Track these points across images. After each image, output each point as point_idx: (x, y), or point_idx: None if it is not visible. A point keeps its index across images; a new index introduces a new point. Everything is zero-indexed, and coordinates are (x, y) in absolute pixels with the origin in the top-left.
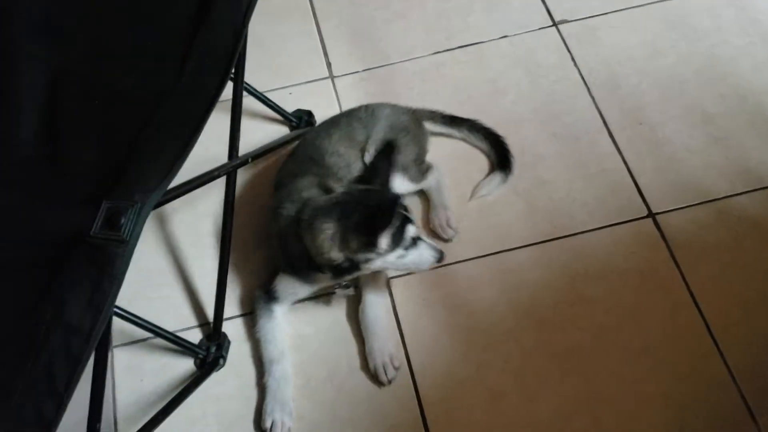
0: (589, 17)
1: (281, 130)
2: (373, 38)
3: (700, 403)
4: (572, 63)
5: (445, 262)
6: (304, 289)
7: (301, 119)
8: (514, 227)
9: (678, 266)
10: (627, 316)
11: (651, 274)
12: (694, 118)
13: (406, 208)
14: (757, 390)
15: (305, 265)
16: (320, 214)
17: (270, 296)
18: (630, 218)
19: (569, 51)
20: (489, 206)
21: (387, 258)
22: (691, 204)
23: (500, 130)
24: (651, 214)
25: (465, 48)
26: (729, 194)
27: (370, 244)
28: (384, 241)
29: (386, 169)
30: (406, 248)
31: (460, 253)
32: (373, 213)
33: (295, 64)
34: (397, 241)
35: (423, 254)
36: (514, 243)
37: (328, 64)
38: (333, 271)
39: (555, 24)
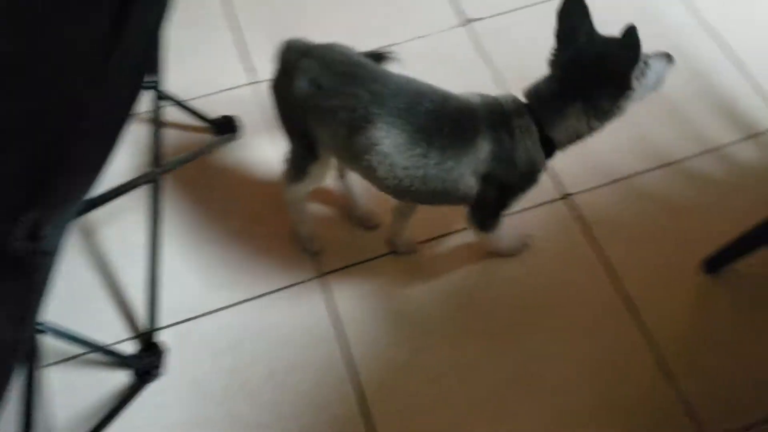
0: (501, 14)
1: (206, 137)
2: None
3: (621, 373)
4: (482, 61)
5: (378, 253)
6: None
7: (225, 125)
8: (449, 214)
9: (593, 244)
10: (550, 294)
11: (568, 252)
12: None
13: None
14: (675, 358)
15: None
16: (556, 100)
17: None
18: (545, 200)
19: (481, 50)
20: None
21: (637, 93)
22: (602, 184)
23: None
24: (565, 195)
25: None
26: (635, 173)
27: (623, 93)
28: (635, 81)
29: (583, 12)
30: (645, 74)
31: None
32: (612, 59)
33: (219, 70)
34: (640, 72)
35: (657, 68)
36: (440, 231)
37: (251, 69)
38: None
39: (467, 23)
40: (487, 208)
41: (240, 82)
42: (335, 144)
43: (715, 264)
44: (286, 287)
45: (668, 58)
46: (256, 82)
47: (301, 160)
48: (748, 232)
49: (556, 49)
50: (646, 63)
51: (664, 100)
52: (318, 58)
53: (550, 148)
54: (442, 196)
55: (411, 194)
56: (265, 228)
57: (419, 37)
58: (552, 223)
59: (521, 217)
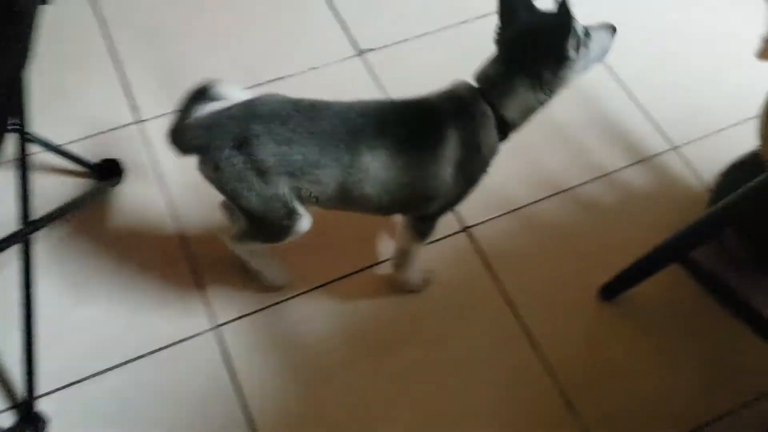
0: (396, 43)
1: (88, 184)
2: (180, 77)
3: (524, 403)
4: (379, 92)
5: (275, 300)
6: None
7: (108, 169)
8: (342, 255)
9: (493, 274)
10: (454, 330)
11: (470, 284)
12: None
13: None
14: (575, 385)
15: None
16: (504, 80)
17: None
18: (447, 234)
19: (376, 79)
20: (318, 236)
21: (578, 64)
22: (499, 214)
23: None
24: (465, 228)
25: (273, 82)
26: (531, 201)
27: (562, 64)
28: (572, 51)
29: None
30: (586, 44)
31: (291, 288)
32: (547, 32)
33: (99, 111)
34: (579, 42)
35: (600, 38)
36: (340, 272)
37: (135, 108)
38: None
39: (360, 53)
40: (441, 210)
41: (124, 122)
42: (324, 193)
43: (611, 291)
44: (179, 341)
45: (611, 29)
46: (141, 120)
47: (281, 224)
48: (640, 260)
49: (498, 28)
50: (587, 34)
51: (556, 127)
52: (262, 134)
53: (505, 130)
54: (417, 199)
55: (401, 205)
56: (155, 279)
57: (314, 68)
58: (454, 256)
59: (425, 252)
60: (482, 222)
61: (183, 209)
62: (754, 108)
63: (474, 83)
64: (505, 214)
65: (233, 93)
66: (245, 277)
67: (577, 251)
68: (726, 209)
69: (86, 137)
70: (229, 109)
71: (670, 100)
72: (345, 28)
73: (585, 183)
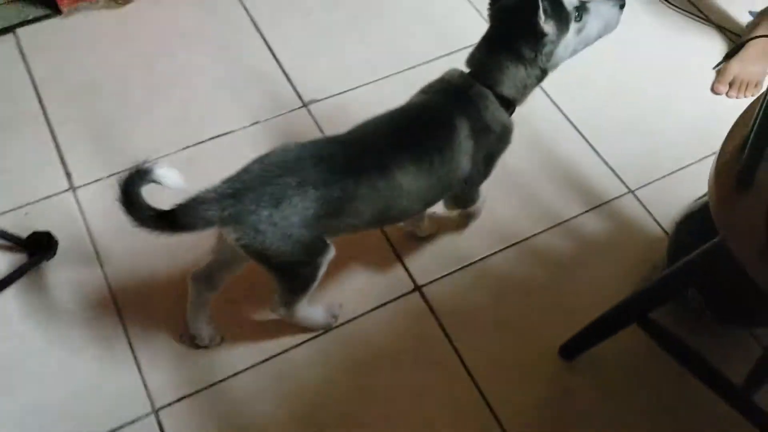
0: (339, 94)
1: (20, 259)
2: (116, 139)
3: None
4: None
5: (217, 379)
6: None
7: (39, 243)
8: (287, 325)
9: (447, 336)
10: (409, 398)
11: (425, 349)
12: None
13: None
14: None
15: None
16: (492, 59)
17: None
18: (399, 294)
19: (322, 132)
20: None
21: (567, 40)
22: (453, 270)
23: None
24: (417, 288)
25: (215, 139)
26: (484, 255)
27: (538, 40)
28: (548, 26)
29: None
30: (579, 19)
31: (233, 365)
32: (519, 8)
33: (30, 180)
34: (562, 17)
35: (602, 12)
36: (288, 343)
37: (68, 174)
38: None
39: (305, 105)
40: (474, 185)
41: (57, 189)
42: (363, 221)
43: (571, 351)
44: (117, 429)
45: (616, 2)
46: (75, 187)
47: (316, 262)
48: (598, 320)
49: (488, 4)
50: (581, 8)
51: (508, 175)
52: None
53: (509, 105)
54: (447, 189)
55: (426, 204)
56: (91, 360)
57: (257, 122)
58: (406, 319)
59: (377, 316)
60: (435, 280)
61: (120, 281)
62: (709, 145)
63: (466, 68)
64: (458, 270)
65: (171, 176)
66: (185, 353)
67: (534, 306)
68: (681, 272)
69: (15, 208)
70: (246, 171)
71: (623, 141)
72: (289, 79)
73: (540, 233)
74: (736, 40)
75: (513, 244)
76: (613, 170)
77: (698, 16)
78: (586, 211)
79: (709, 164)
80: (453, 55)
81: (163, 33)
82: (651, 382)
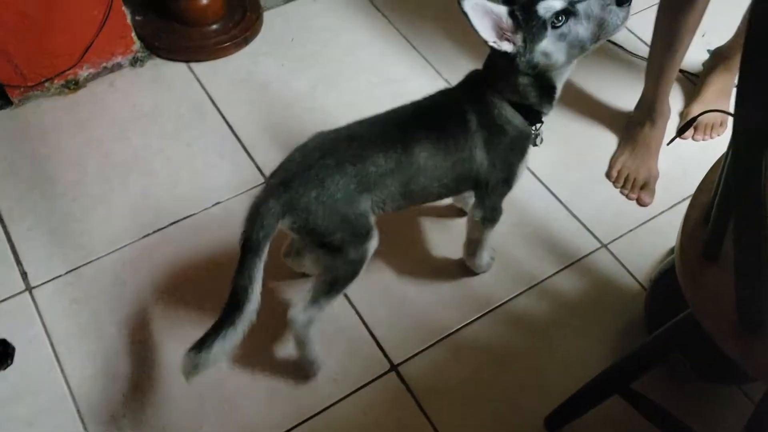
0: None
1: None
2: (73, 233)
3: None
4: None
5: None
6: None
7: None
8: (257, 416)
9: (428, 417)
10: None
11: (406, 429)
12: (415, 250)
13: None
14: None
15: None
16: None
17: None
18: (375, 376)
19: None
20: (226, 400)
21: (545, 47)
22: (428, 345)
23: None
24: (393, 367)
25: (177, 224)
26: (460, 325)
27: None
28: (506, 44)
29: None
30: (558, 24)
31: None
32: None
33: None
34: (534, 27)
35: (594, 12)
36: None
37: (24, 274)
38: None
39: (267, 182)
40: (494, 191)
41: (12, 291)
42: (390, 197)
43: (555, 423)
44: None
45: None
46: (33, 287)
47: (363, 247)
48: (579, 392)
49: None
50: (565, 12)
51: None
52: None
53: (523, 109)
54: (464, 179)
55: (452, 188)
56: None
57: (218, 202)
58: (384, 401)
59: (353, 401)
60: (411, 357)
61: (82, 386)
62: (677, 192)
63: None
64: (434, 344)
65: None
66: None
67: (515, 376)
68: (658, 342)
69: None
70: (289, 161)
71: (592, 195)
72: (250, 156)
73: (516, 296)
74: (695, 80)
75: (489, 311)
76: (584, 225)
77: None
78: (561, 270)
79: (679, 212)
80: None
81: (118, 117)
82: None
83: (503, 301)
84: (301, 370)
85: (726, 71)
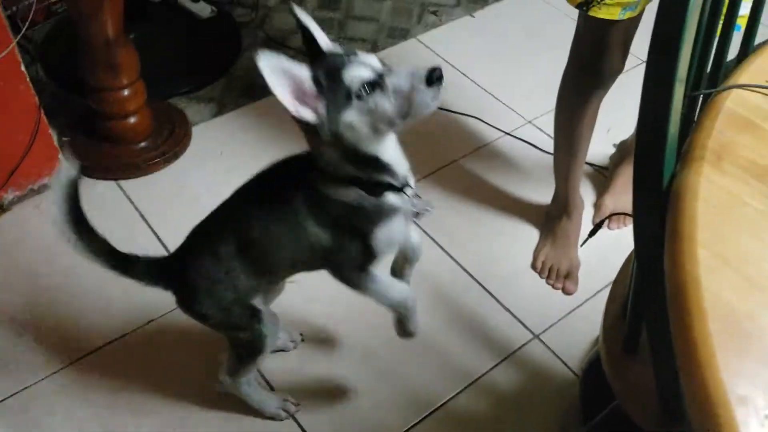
0: None
1: None
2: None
3: None
4: None
5: None
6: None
7: None
8: None
9: None
10: None
11: None
12: (355, 355)
13: (346, 54)
14: None
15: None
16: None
17: (365, 269)
18: None
19: None
20: None
21: (347, 119)
22: None
23: None
24: None
25: (111, 344)
26: (404, 429)
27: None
28: (305, 111)
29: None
30: (364, 95)
31: None
32: None
33: None
34: (338, 95)
35: (402, 86)
36: None
37: None
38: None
39: None
40: (345, 263)
41: None
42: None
43: None
44: None
45: (427, 74)
46: None
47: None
48: None
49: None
50: (375, 84)
51: (418, 338)
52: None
53: (364, 184)
54: (308, 253)
55: (293, 261)
56: None
57: (151, 320)
58: None
59: None
60: None
61: None
62: (600, 277)
63: None
64: None
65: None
66: None
67: None
68: None
69: None
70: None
71: (520, 285)
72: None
73: (455, 395)
74: (605, 173)
75: (430, 413)
76: (515, 316)
77: None
78: (497, 364)
79: (603, 298)
80: None
81: (45, 239)
82: None
83: (444, 401)
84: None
85: (631, 163)
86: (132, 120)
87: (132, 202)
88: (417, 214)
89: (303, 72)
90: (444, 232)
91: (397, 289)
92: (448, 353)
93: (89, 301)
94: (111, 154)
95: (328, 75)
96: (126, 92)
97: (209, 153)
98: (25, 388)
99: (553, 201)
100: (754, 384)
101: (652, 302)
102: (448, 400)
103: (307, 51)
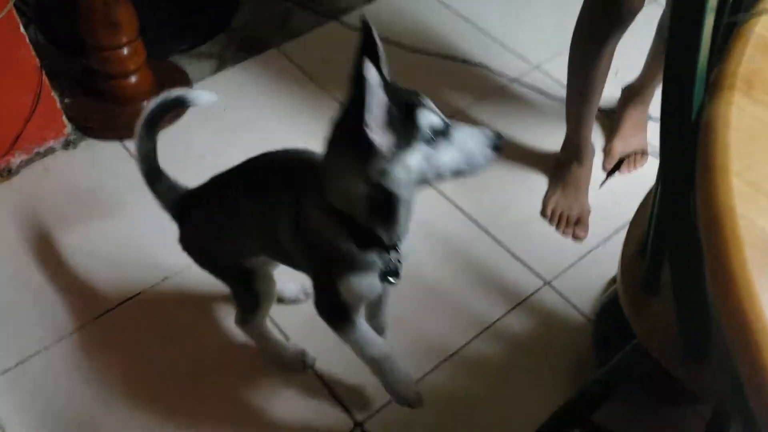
0: None
1: None
2: (19, 323)
3: None
4: None
5: None
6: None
7: None
8: None
9: None
10: None
11: None
12: None
13: (414, 93)
14: None
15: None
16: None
17: (343, 312)
18: None
19: None
20: None
21: (409, 162)
22: (389, 400)
23: None
24: (357, 424)
25: (127, 302)
26: (420, 376)
27: (368, 149)
28: (380, 136)
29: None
30: (430, 142)
31: None
32: (349, 110)
33: None
34: (406, 133)
35: (467, 143)
36: None
37: None
38: (374, 215)
39: None
40: (317, 289)
41: None
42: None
43: None
44: None
45: (496, 138)
46: None
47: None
48: (542, 428)
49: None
50: (445, 132)
51: (428, 288)
52: None
53: (358, 229)
54: (274, 248)
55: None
56: None
57: (166, 278)
58: None
59: None
60: (374, 413)
61: None
62: (612, 223)
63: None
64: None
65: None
66: None
67: (478, 423)
68: (610, 374)
69: None
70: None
71: (530, 234)
72: None
73: (470, 341)
74: (613, 116)
75: (446, 359)
76: (526, 265)
77: None
78: (509, 311)
79: (614, 242)
80: None
81: (56, 201)
82: None
83: (459, 348)
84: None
85: (639, 104)
86: (133, 79)
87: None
88: (391, 274)
89: (384, 98)
90: (451, 182)
91: (376, 345)
92: (460, 302)
93: (103, 261)
94: (113, 113)
95: (401, 109)
96: (126, 51)
97: (212, 110)
98: (45, 348)
99: (564, 148)
100: None
101: (679, 238)
102: (462, 347)
103: (355, 74)
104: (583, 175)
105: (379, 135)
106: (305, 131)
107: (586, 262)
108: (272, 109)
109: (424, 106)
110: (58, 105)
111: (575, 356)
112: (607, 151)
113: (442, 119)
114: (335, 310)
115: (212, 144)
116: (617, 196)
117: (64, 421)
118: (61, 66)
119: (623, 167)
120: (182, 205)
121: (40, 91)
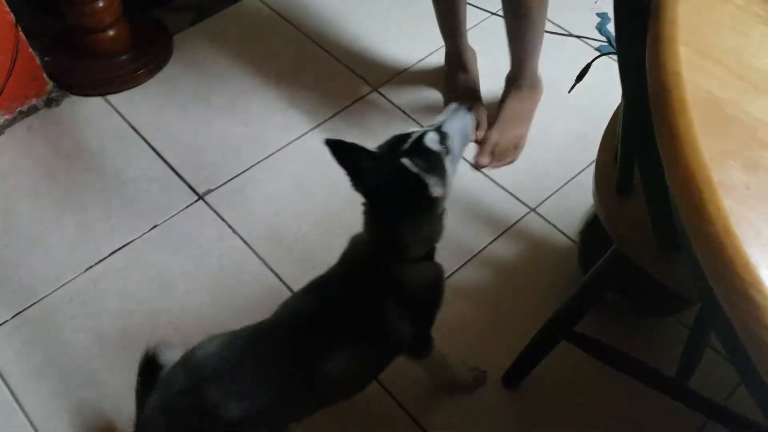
0: (232, 178)
1: None
2: (13, 277)
3: None
4: (230, 230)
5: None
6: None
7: None
8: None
9: (391, 394)
10: None
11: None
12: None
13: (403, 135)
14: None
15: None
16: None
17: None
18: None
19: (223, 219)
20: None
21: (451, 181)
22: None
23: (182, 325)
24: None
25: (117, 252)
26: None
27: (432, 203)
28: (437, 185)
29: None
30: (448, 152)
31: None
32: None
33: None
34: (434, 164)
35: (457, 127)
36: None
37: None
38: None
39: (200, 197)
40: (419, 338)
41: None
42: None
43: (512, 379)
44: None
45: (463, 109)
46: None
47: None
48: (528, 345)
49: (352, 182)
50: (443, 138)
51: None
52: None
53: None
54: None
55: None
56: None
57: (156, 225)
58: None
59: None
60: None
61: (47, 425)
62: (592, 151)
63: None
64: None
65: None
66: None
67: (469, 344)
68: (591, 283)
69: None
70: (172, 380)
71: (514, 163)
72: (180, 175)
73: (458, 269)
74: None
75: None
76: (511, 193)
77: (558, 33)
78: (497, 238)
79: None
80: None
81: (42, 159)
82: (594, 387)
83: (448, 275)
84: None
85: (516, 94)
86: (110, 32)
87: (122, 116)
88: None
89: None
90: (429, 116)
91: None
92: (448, 232)
93: (92, 214)
94: (94, 68)
95: (415, 154)
96: (101, 3)
97: (193, 61)
98: (41, 299)
99: (447, 62)
100: (735, 162)
101: (642, 133)
102: (451, 275)
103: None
104: (470, 79)
105: (437, 187)
106: (287, 77)
107: (570, 188)
108: (253, 56)
109: (420, 136)
110: (38, 62)
111: (562, 276)
112: (481, 142)
113: (435, 129)
114: (431, 337)
115: (194, 93)
116: (596, 120)
117: (62, 368)
118: (40, 24)
119: (492, 163)
120: None
121: (17, 49)
